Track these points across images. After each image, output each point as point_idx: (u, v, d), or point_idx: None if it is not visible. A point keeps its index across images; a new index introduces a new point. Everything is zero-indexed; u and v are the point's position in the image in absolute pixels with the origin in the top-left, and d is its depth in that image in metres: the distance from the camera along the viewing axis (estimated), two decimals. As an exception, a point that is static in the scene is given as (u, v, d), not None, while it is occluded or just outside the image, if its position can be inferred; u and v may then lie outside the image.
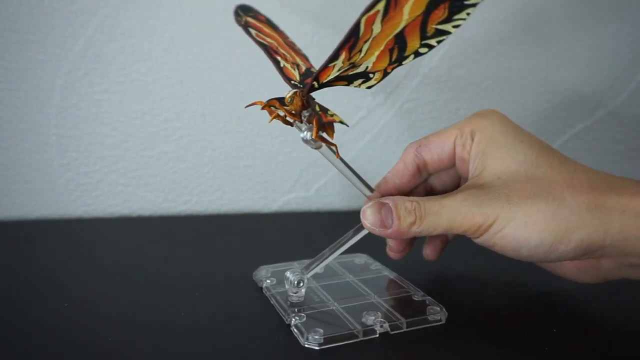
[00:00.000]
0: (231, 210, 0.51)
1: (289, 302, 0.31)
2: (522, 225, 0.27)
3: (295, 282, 0.31)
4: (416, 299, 0.32)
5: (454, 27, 0.23)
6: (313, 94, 0.28)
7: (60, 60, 0.44)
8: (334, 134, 0.28)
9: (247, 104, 0.27)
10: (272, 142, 0.49)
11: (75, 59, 0.44)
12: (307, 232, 0.47)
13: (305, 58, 0.34)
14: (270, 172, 0.50)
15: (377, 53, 0.25)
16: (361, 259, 0.39)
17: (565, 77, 0.52)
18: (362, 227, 0.30)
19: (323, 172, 0.51)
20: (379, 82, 0.27)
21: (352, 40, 0.24)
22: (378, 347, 0.28)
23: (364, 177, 0.31)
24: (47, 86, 0.44)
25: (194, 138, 0.48)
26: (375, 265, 0.38)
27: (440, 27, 0.23)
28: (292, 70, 0.30)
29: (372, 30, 0.24)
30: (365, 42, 0.24)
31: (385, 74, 0.27)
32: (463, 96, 0.51)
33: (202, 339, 0.29)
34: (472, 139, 0.31)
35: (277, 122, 0.28)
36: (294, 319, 0.29)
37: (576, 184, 0.28)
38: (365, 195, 0.32)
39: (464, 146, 0.31)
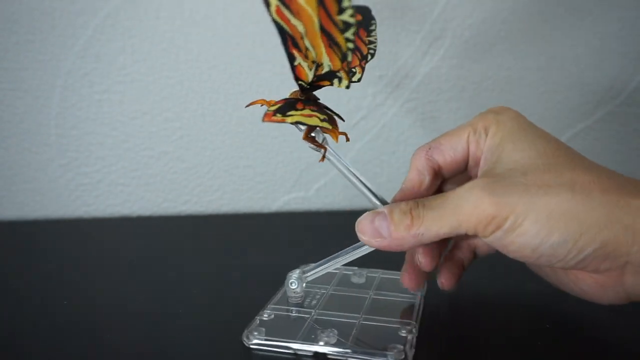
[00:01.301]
0: (231, 210, 0.51)
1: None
2: (545, 218, 0.23)
3: (290, 284, 0.31)
4: (395, 333, 0.29)
5: (350, 16, 0.22)
6: (315, 93, 0.28)
7: (60, 60, 0.44)
8: (338, 137, 0.27)
9: (248, 104, 0.27)
10: (272, 142, 0.49)
11: (75, 59, 0.44)
12: (307, 232, 0.47)
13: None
14: (270, 172, 0.50)
15: (324, 51, 0.25)
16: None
17: (565, 77, 0.52)
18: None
19: (323, 172, 0.51)
20: (349, 80, 0.27)
21: (288, 38, 0.24)
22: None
23: (371, 185, 0.29)
24: (47, 86, 0.44)
25: (194, 138, 0.48)
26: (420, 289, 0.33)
27: (341, 18, 0.23)
28: (307, 71, 0.27)
29: (294, 25, 0.24)
30: (302, 38, 0.24)
31: (363, 69, 0.28)
32: (463, 96, 0.51)
33: (202, 338, 0.29)
34: (486, 135, 0.28)
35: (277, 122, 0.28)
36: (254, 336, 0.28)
37: (601, 180, 0.25)
38: (374, 205, 0.29)
39: (477, 143, 0.28)
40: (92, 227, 0.46)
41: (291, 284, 0.31)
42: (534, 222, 0.24)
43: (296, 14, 0.23)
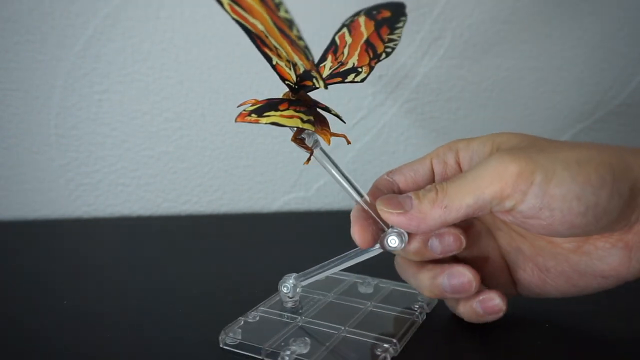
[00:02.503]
0: (231, 210, 0.50)
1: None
2: (575, 164, 0.23)
3: (282, 288, 0.30)
4: (371, 350, 0.27)
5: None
6: (311, 93, 0.28)
7: (60, 60, 0.44)
8: (330, 139, 0.27)
9: (239, 104, 0.26)
10: (272, 142, 0.49)
11: (75, 59, 0.44)
12: (307, 232, 0.47)
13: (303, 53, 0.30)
14: (270, 172, 0.50)
15: (357, 53, 0.30)
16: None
17: (565, 77, 0.52)
18: (371, 248, 0.27)
19: (323, 172, 0.51)
20: (367, 74, 0.29)
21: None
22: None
23: (356, 181, 0.29)
24: (47, 86, 0.44)
25: (194, 138, 0.48)
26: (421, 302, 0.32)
27: (389, 36, 0.31)
28: (287, 70, 0.27)
29: (346, 41, 0.31)
30: (345, 47, 0.31)
31: (371, 68, 0.29)
32: (463, 96, 0.51)
33: (201, 338, 0.29)
34: (456, 150, 0.28)
35: None
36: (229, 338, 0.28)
37: (603, 145, 0.25)
38: (355, 200, 0.28)
39: (445, 163, 0.28)
40: (92, 227, 0.46)
41: (283, 287, 0.30)
42: (565, 169, 0.23)
43: (249, 11, 0.23)
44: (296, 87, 0.28)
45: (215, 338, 0.29)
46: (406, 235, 0.26)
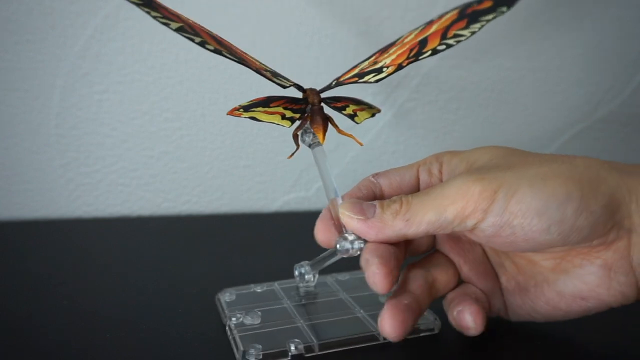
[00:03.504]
0: (231, 210, 0.50)
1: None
2: (541, 181, 0.22)
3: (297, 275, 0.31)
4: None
5: (470, 32, 0.28)
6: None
7: (60, 60, 0.44)
8: (324, 138, 0.28)
9: (228, 112, 0.27)
10: (272, 142, 0.49)
11: (75, 59, 0.44)
12: (307, 232, 0.47)
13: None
14: (270, 172, 0.50)
15: (398, 52, 0.28)
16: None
17: (565, 77, 0.52)
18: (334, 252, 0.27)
19: (323, 172, 0.51)
20: (390, 74, 0.28)
21: (386, 47, 0.28)
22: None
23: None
24: (47, 86, 0.44)
25: (194, 138, 0.48)
26: None
27: (458, 32, 0.29)
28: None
29: (403, 40, 0.29)
30: (395, 46, 0.29)
31: (400, 67, 0.28)
32: (463, 96, 0.51)
33: (201, 337, 0.29)
34: (441, 163, 0.28)
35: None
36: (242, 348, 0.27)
37: (578, 159, 0.25)
38: (328, 198, 0.29)
39: (430, 172, 0.28)
40: (92, 227, 0.46)
41: (306, 275, 0.30)
42: (529, 186, 0.22)
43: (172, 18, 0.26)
44: (301, 86, 0.28)
45: (216, 338, 0.29)
46: (360, 243, 0.26)
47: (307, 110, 0.28)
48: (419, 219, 0.24)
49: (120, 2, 0.43)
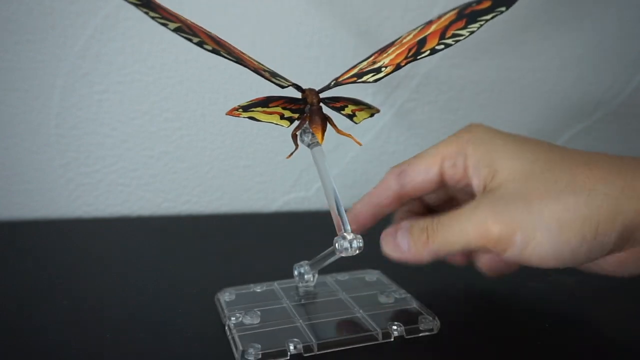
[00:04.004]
0: (231, 210, 0.51)
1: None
2: (556, 225, 0.24)
3: (305, 276, 0.32)
4: (408, 308, 0.31)
5: (469, 32, 0.28)
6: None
7: (60, 60, 0.44)
8: (322, 138, 0.28)
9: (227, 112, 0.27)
10: (272, 142, 0.49)
11: (75, 59, 0.44)
12: (307, 232, 0.47)
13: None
14: (270, 172, 0.50)
15: (397, 52, 0.29)
16: (372, 275, 0.36)
17: (565, 77, 0.52)
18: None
19: (323, 172, 0.51)
20: (389, 74, 0.28)
21: (385, 47, 0.28)
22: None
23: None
24: (47, 86, 0.44)
25: (194, 138, 0.48)
26: (381, 281, 0.35)
27: (457, 32, 0.29)
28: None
29: (402, 40, 0.30)
30: (393, 46, 0.29)
31: (398, 67, 0.28)
32: (463, 96, 0.51)
33: (200, 337, 0.29)
34: (465, 155, 0.28)
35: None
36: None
37: (601, 169, 0.25)
38: (327, 197, 0.29)
39: (455, 166, 0.28)
40: (92, 227, 0.46)
41: (305, 275, 0.32)
42: (546, 232, 0.24)
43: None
44: (300, 86, 0.28)
45: (215, 337, 0.29)
46: (359, 242, 0.27)
47: (306, 110, 0.28)
48: (446, 250, 0.26)
49: (120, 2, 0.43)
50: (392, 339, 0.29)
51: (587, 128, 0.54)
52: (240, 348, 0.27)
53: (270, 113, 0.26)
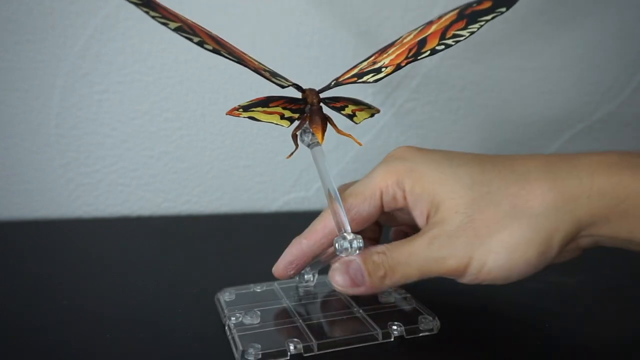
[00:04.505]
0: (231, 210, 0.51)
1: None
2: (504, 255, 0.26)
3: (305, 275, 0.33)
4: (408, 308, 0.31)
5: (469, 32, 0.28)
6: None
7: (60, 60, 0.44)
8: (323, 138, 0.28)
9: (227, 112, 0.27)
10: (272, 142, 0.49)
11: (75, 59, 0.44)
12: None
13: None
14: (270, 172, 0.50)
15: (397, 53, 0.29)
16: None
17: (565, 77, 0.52)
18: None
19: (323, 172, 0.51)
20: (389, 74, 0.28)
21: (386, 47, 0.28)
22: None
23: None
24: (47, 86, 0.44)
25: (194, 138, 0.48)
26: None
27: (457, 32, 0.29)
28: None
29: (402, 40, 0.29)
30: (394, 46, 0.29)
31: (398, 67, 0.28)
32: (463, 96, 0.51)
33: (200, 337, 0.29)
34: (403, 189, 0.28)
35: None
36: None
37: (534, 182, 0.26)
38: (326, 197, 0.29)
39: (395, 199, 0.28)
40: (92, 227, 0.46)
41: (305, 275, 0.32)
42: (496, 261, 0.26)
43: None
44: (300, 86, 0.28)
45: (215, 337, 0.29)
46: (358, 242, 0.27)
47: (306, 110, 0.28)
48: (403, 280, 0.27)
49: (120, 2, 0.43)
50: (392, 339, 0.29)
51: (587, 128, 0.54)
52: (240, 348, 0.27)
53: (271, 113, 0.26)
